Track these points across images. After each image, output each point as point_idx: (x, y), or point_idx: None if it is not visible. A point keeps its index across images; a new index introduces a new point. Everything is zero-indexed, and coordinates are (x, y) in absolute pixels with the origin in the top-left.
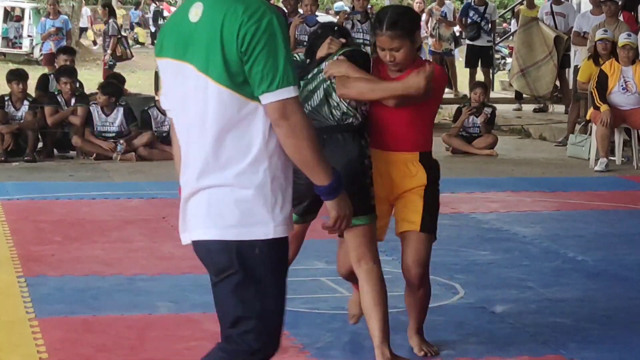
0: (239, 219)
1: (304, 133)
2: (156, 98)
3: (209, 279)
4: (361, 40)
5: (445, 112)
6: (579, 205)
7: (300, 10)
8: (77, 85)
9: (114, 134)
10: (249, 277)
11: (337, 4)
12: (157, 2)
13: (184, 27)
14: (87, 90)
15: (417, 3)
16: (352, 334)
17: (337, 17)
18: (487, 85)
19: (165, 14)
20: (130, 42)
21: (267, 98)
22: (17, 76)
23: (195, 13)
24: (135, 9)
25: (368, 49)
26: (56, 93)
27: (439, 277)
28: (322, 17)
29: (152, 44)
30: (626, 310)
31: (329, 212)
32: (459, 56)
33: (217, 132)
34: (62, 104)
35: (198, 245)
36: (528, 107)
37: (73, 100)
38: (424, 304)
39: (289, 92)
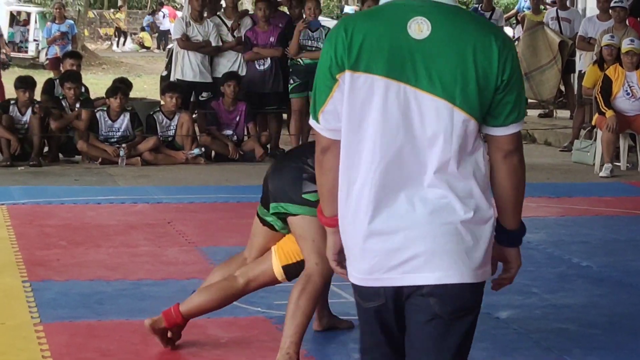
0: (484, 258)
1: (525, 169)
2: (162, 103)
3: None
4: None
5: None
6: (583, 210)
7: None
8: (83, 90)
9: (119, 139)
10: (476, 318)
11: (346, 9)
12: (159, 7)
13: (401, 43)
14: (93, 95)
15: None
16: (357, 340)
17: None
18: None
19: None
20: (136, 45)
21: (511, 129)
22: (24, 84)
23: (418, 29)
24: (149, 14)
25: None
26: (61, 98)
27: None
28: (327, 22)
29: (158, 48)
30: (631, 316)
31: (510, 261)
32: None
33: (457, 162)
34: (67, 109)
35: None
36: (533, 112)
37: (78, 105)
38: None
39: (523, 123)
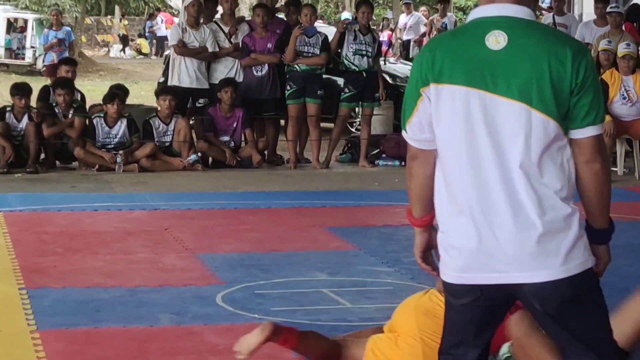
0: (573, 252)
1: (609, 171)
2: (158, 109)
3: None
4: (364, 52)
5: None
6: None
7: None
8: (79, 97)
9: (116, 145)
10: (595, 302)
11: (344, 15)
12: (156, 12)
13: (479, 54)
14: (90, 101)
15: (422, 12)
16: None
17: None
18: None
19: (164, 28)
20: (133, 52)
21: (589, 131)
22: (20, 91)
23: (495, 41)
24: (148, 19)
25: (369, 60)
26: (54, 105)
27: None
28: (323, 28)
29: (156, 54)
30: None
31: (599, 257)
32: None
33: (539, 163)
34: (60, 115)
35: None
36: None
37: (71, 112)
38: None
39: (603, 127)
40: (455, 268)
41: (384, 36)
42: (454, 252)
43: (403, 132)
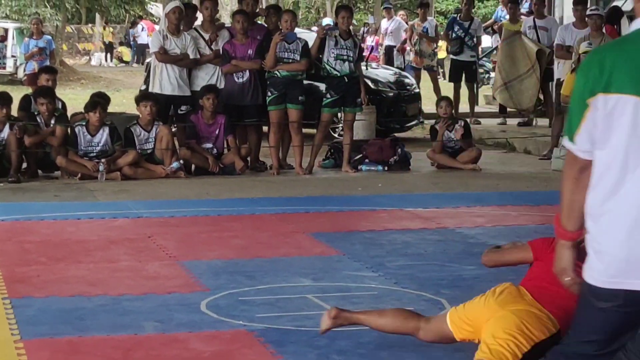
0: None
1: None
2: (139, 116)
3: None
4: (345, 57)
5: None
6: None
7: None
8: (60, 105)
9: (98, 154)
10: None
11: (325, 21)
12: (138, 20)
13: None
14: (71, 110)
15: (400, 16)
16: (339, 352)
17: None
18: (451, 99)
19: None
20: (115, 61)
21: None
22: (1, 100)
23: None
24: (131, 27)
25: (350, 65)
26: (36, 113)
27: (425, 292)
28: (304, 34)
29: (137, 62)
30: None
31: None
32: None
33: None
34: (42, 124)
35: None
36: (512, 121)
37: (53, 121)
38: None
39: None
40: (606, 273)
41: (371, 41)
42: (607, 258)
43: (568, 144)
